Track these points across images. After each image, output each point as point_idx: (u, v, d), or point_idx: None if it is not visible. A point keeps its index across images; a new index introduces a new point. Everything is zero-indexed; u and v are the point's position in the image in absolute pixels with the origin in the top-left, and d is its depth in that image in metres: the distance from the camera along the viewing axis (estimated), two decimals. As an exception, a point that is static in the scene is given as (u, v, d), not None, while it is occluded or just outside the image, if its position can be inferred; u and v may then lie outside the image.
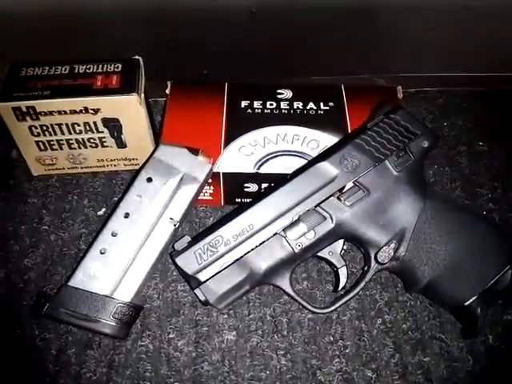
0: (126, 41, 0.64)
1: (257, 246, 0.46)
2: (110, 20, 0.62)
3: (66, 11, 0.59)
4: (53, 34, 0.61)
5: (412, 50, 0.72)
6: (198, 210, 0.56)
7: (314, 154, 0.53)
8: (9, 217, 0.55)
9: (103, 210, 0.56)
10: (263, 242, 0.46)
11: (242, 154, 0.53)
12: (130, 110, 0.51)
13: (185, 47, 0.65)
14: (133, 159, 0.57)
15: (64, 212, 0.55)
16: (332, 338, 0.47)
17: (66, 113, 0.51)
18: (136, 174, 0.50)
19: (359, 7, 0.68)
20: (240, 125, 0.55)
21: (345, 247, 0.49)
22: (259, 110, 0.57)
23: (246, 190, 0.54)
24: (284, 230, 0.46)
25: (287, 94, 0.58)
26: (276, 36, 0.67)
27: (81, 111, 0.51)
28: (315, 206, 0.47)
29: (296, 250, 0.46)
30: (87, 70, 0.52)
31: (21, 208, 0.56)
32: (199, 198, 0.53)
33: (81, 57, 0.55)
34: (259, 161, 0.53)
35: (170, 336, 0.47)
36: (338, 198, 0.47)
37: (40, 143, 0.54)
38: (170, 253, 0.48)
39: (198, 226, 0.55)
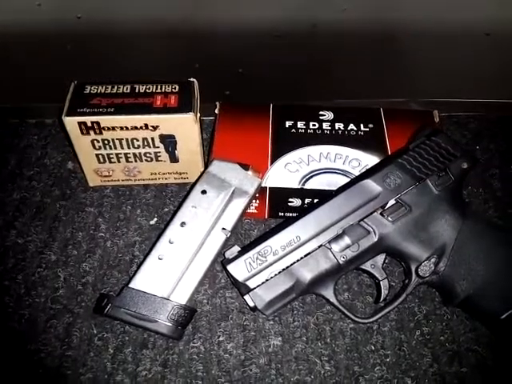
0: (151, 63, 0.69)
1: (303, 257, 0.49)
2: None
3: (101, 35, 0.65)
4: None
5: (442, 76, 0.75)
6: (243, 223, 0.59)
7: (356, 172, 0.56)
8: (67, 224, 0.59)
9: (155, 219, 0.59)
10: (309, 253, 0.49)
11: (288, 171, 0.57)
12: (186, 127, 0.55)
13: (208, 68, 0.69)
14: (183, 173, 0.61)
15: (119, 221, 0.59)
16: (373, 347, 0.50)
17: (127, 129, 0.55)
18: (191, 186, 0.54)
19: (391, 34, 0.72)
20: (285, 143, 0.59)
21: (386, 261, 0.51)
22: (302, 130, 0.60)
23: (289, 204, 0.58)
24: (329, 242, 0.49)
25: (329, 115, 0.62)
26: (299, 61, 0.71)
27: (141, 127, 0.55)
28: (359, 221, 0.50)
29: (340, 262, 0.49)
30: (147, 90, 0.57)
31: (78, 216, 0.60)
32: (246, 210, 0.57)
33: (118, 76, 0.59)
34: (303, 177, 0.56)
35: (220, 339, 0.50)
36: (382, 214, 0.50)
37: (100, 156, 0.58)
38: (221, 260, 0.52)
39: (243, 237, 0.58)
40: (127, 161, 0.59)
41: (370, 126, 0.61)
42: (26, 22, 0.68)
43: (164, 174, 0.61)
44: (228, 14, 0.68)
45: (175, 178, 0.62)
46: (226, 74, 0.72)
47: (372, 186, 0.50)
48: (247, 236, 0.58)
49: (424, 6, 0.71)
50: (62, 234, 0.58)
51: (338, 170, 0.57)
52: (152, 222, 0.59)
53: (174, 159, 0.59)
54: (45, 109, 0.70)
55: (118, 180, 0.61)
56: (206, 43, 0.70)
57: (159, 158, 0.59)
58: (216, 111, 0.62)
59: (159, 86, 0.57)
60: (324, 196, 0.52)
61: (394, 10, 0.72)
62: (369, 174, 0.51)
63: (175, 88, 0.57)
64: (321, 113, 0.62)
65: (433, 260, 0.49)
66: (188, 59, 0.70)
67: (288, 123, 0.61)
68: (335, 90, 0.72)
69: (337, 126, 0.61)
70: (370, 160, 0.57)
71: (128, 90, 0.57)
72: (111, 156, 0.58)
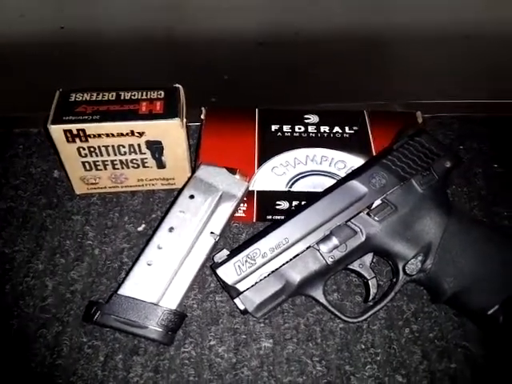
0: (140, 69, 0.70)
1: (292, 259, 0.50)
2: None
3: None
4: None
5: (426, 78, 0.77)
6: (231, 226, 0.59)
7: (342, 173, 0.57)
8: (54, 233, 0.59)
9: (143, 226, 0.59)
10: (298, 255, 0.50)
11: (275, 174, 0.57)
12: (172, 133, 0.55)
13: (194, 75, 0.70)
14: (170, 179, 0.61)
15: (106, 228, 0.59)
16: (363, 346, 0.50)
17: (113, 135, 0.55)
18: (179, 192, 0.54)
19: (373, 38, 0.73)
20: (271, 147, 0.59)
21: (374, 260, 0.52)
22: (288, 134, 0.61)
23: (277, 207, 0.58)
24: (317, 243, 0.50)
25: (314, 118, 0.63)
26: (282, 66, 0.72)
27: (127, 134, 0.55)
28: (346, 221, 0.50)
29: (329, 262, 0.50)
30: (132, 97, 0.57)
31: (65, 224, 0.59)
32: (234, 214, 0.57)
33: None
34: (290, 180, 0.57)
35: (211, 343, 0.50)
36: (368, 214, 0.50)
37: (86, 163, 0.58)
38: (210, 265, 0.52)
39: (231, 241, 0.58)
40: (114, 168, 0.59)
41: (355, 128, 0.62)
42: (10, 32, 0.69)
43: (151, 180, 0.61)
44: (212, 23, 0.69)
45: (162, 184, 0.62)
46: (211, 80, 0.73)
47: (358, 186, 0.51)
48: (235, 240, 0.58)
49: (406, 10, 0.72)
50: (49, 242, 0.58)
51: (324, 172, 0.57)
52: (140, 229, 0.59)
53: (160, 165, 0.59)
54: (30, 118, 0.70)
55: (105, 187, 0.61)
56: (191, 51, 0.71)
57: (146, 165, 0.59)
58: (202, 116, 0.63)
59: (144, 93, 0.57)
60: (311, 198, 0.52)
61: (376, 13, 0.73)
62: (354, 175, 0.52)
63: (160, 94, 0.57)
64: (306, 116, 0.63)
65: (419, 258, 0.49)
66: (174, 66, 0.71)
67: (274, 127, 0.62)
68: (319, 94, 0.73)
69: (322, 128, 0.61)
70: (355, 161, 0.58)
71: (113, 97, 0.57)
72: (97, 163, 0.58)
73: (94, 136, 0.55)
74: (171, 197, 0.62)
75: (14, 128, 0.70)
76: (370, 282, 0.51)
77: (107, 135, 0.55)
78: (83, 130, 0.54)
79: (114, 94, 0.57)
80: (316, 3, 0.73)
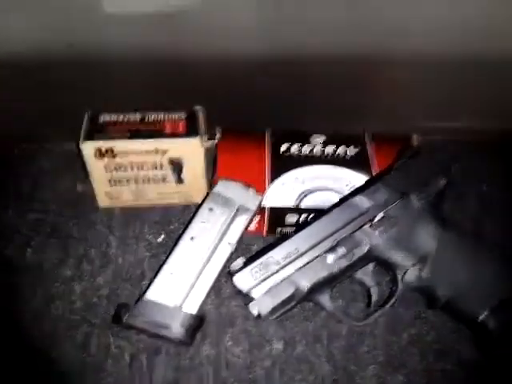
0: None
1: (301, 267, 0.55)
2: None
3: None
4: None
5: (421, 103, 0.82)
6: (244, 238, 0.64)
7: (346, 190, 0.62)
8: (80, 242, 0.63)
9: (162, 236, 0.64)
10: (307, 263, 0.55)
11: (285, 190, 0.62)
12: (193, 151, 0.61)
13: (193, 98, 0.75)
14: (187, 193, 0.66)
15: (128, 238, 0.64)
16: (367, 348, 0.55)
17: (139, 153, 0.60)
18: (199, 205, 0.59)
19: (373, 61, 0.78)
20: (281, 165, 0.64)
21: (376, 269, 0.57)
22: (297, 152, 0.66)
23: (287, 220, 0.63)
24: (325, 252, 0.55)
25: (321, 138, 0.68)
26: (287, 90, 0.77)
27: (152, 152, 0.60)
28: (351, 233, 0.55)
29: (335, 271, 0.55)
30: (156, 118, 0.62)
31: (90, 234, 0.64)
32: (246, 227, 0.62)
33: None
34: (299, 196, 0.62)
35: (228, 344, 0.55)
36: (371, 227, 0.56)
37: (111, 180, 0.63)
38: (227, 271, 0.56)
39: (244, 251, 0.63)
40: (136, 183, 0.64)
41: (357, 148, 0.67)
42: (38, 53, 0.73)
43: (170, 194, 0.66)
44: (208, 48, 0.74)
45: (179, 198, 0.67)
46: (221, 104, 0.77)
47: (362, 201, 0.56)
48: (248, 250, 0.63)
49: (400, 34, 0.77)
50: (75, 250, 0.62)
51: (330, 188, 0.63)
52: (159, 240, 0.64)
53: (179, 181, 0.64)
54: (53, 135, 0.75)
55: (127, 201, 0.66)
56: (205, 74, 0.75)
57: (166, 180, 0.64)
58: (217, 136, 0.68)
59: (167, 115, 0.63)
60: (319, 212, 0.57)
61: (370, 36, 0.78)
62: (358, 191, 0.57)
63: (182, 115, 0.63)
64: (313, 135, 0.68)
65: (417, 267, 0.54)
66: (191, 88, 0.75)
67: (283, 147, 0.67)
68: (324, 117, 0.78)
69: (327, 149, 0.67)
70: (358, 179, 0.63)
71: (138, 119, 0.62)
72: (122, 179, 0.63)
73: (122, 153, 0.60)
74: (188, 210, 0.67)
75: (39, 144, 0.75)
76: (371, 290, 0.56)
77: (134, 153, 0.60)
78: (112, 148, 0.59)
79: (139, 115, 0.63)
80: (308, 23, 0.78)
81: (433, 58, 0.81)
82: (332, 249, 0.55)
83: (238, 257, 0.56)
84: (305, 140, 0.68)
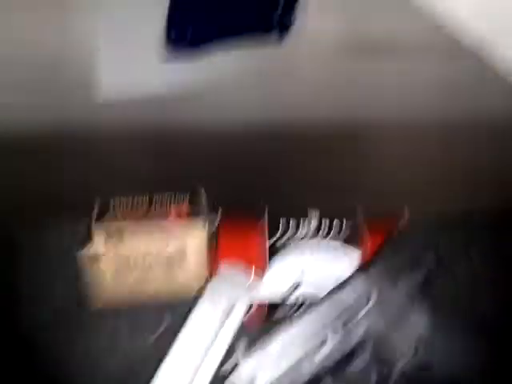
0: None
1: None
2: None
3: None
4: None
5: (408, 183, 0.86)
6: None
7: (344, 267, 0.64)
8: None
9: (161, 330, 0.65)
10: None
11: (280, 278, 0.64)
12: (195, 233, 0.65)
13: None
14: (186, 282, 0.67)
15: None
16: None
17: (145, 234, 0.64)
18: (197, 294, 0.62)
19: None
20: (278, 250, 0.66)
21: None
22: (292, 236, 0.67)
23: (282, 308, 0.64)
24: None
25: (313, 223, 0.69)
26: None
27: (157, 234, 0.64)
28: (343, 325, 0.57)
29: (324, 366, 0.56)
30: (162, 200, 0.66)
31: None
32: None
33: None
34: (294, 284, 0.64)
35: None
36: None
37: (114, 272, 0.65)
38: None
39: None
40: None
41: (353, 222, 0.68)
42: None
43: (168, 286, 0.67)
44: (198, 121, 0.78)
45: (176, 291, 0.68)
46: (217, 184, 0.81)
47: (347, 297, 0.58)
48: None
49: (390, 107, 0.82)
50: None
51: (325, 269, 0.65)
52: (155, 336, 0.65)
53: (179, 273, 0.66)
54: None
55: (122, 300, 0.67)
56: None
57: (167, 274, 0.66)
58: (217, 219, 0.69)
59: (173, 196, 0.67)
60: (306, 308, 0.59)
61: (363, 109, 0.83)
62: (344, 284, 0.59)
63: (185, 197, 0.67)
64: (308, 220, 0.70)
65: (411, 350, 0.57)
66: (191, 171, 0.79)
67: (279, 231, 0.68)
68: (318, 196, 0.82)
69: (322, 224, 0.68)
70: (353, 255, 0.65)
71: (146, 201, 0.66)
72: (124, 272, 0.65)
73: (130, 235, 0.63)
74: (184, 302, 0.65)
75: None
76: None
77: (142, 234, 0.64)
78: (121, 229, 0.63)
79: (148, 198, 0.67)
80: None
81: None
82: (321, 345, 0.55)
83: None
84: (300, 224, 0.69)
